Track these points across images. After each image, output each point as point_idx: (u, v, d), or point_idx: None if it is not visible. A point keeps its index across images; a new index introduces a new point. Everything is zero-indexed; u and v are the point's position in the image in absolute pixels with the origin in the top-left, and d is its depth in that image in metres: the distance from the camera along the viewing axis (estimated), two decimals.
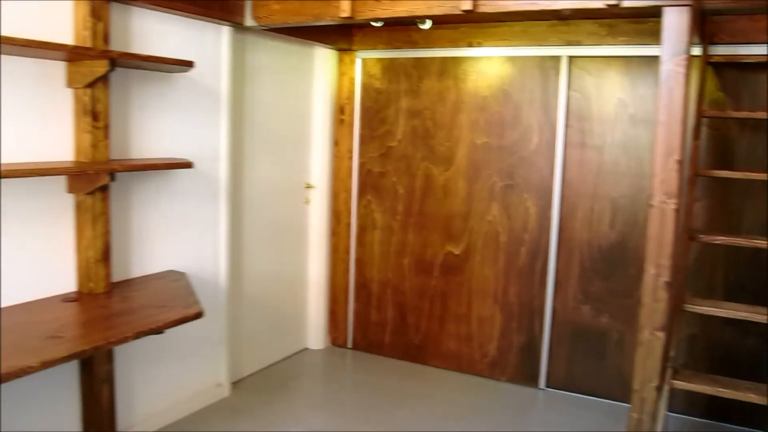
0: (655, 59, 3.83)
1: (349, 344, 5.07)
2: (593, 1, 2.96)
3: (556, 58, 4.18)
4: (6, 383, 2.14)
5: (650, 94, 3.94)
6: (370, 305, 4.94)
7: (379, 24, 4.09)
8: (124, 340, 2.46)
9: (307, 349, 5.01)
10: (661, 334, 2.96)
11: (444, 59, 4.53)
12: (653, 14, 3.10)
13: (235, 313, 4.20)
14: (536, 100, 4.26)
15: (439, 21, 4.27)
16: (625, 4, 2.89)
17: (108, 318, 2.70)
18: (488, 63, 4.40)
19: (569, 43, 4.09)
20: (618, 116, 4.06)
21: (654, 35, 3.76)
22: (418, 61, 4.61)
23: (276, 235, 4.57)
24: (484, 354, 4.57)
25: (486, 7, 3.20)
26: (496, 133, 4.40)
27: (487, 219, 4.47)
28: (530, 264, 4.36)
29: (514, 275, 4.43)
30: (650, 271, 2.94)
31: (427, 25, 4.11)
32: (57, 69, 2.91)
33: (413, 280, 4.76)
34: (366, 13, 3.48)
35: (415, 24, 4.24)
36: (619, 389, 4.16)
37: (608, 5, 2.91)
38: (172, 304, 2.90)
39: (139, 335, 2.52)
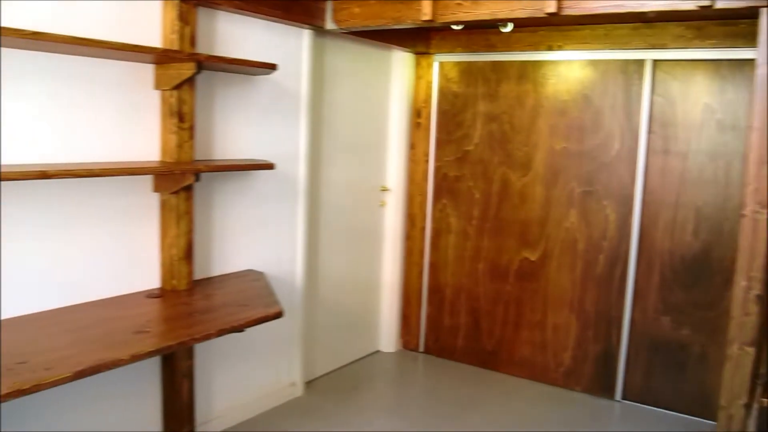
0: (746, 63, 3.69)
1: (421, 348, 5.05)
2: (684, 3, 2.86)
3: (640, 62, 4.07)
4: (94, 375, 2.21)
5: (740, 99, 3.79)
6: (443, 310, 4.91)
7: (459, 27, 4.06)
8: (207, 337, 2.51)
9: (378, 351, 5.02)
10: (751, 350, 2.84)
11: (523, 63, 4.47)
12: (747, 15, 2.99)
13: (310, 313, 4.25)
14: (618, 105, 4.16)
15: (519, 24, 4.22)
16: (719, 5, 2.79)
17: (191, 315, 2.76)
18: (568, 67, 4.32)
19: (654, 47, 3.98)
20: (704, 122, 3.92)
21: (746, 37, 3.62)
22: (497, 65, 4.57)
23: (351, 237, 4.60)
24: (559, 363, 4.48)
25: (571, 10, 3.14)
26: (575, 138, 4.31)
27: (564, 225, 4.38)
28: (608, 272, 4.26)
29: (591, 283, 4.33)
30: (741, 283, 2.82)
31: (509, 28, 4.07)
32: (145, 72, 3.00)
33: (487, 286, 4.71)
34: (447, 17, 3.47)
35: (495, 27, 4.20)
36: (700, 405, 4.02)
37: (700, 6, 2.81)
38: (252, 304, 2.94)
39: (221, 333, 2.56)
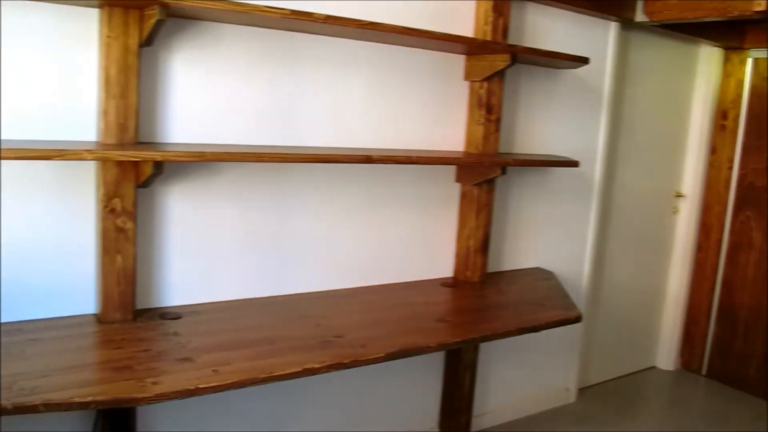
0: None
1: (703, 371, 4.62)
2: None
3: None
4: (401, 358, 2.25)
5: None
6: (735, 333, 4.44)
7: None
8: (508, 333, 2.47)
9: (654, 367, 4.69)
10: None
11: None
12: None
13: (591, 318, 4.06)
14: None
15: None
16: None
17: (487, 308, 2.74)
18: None
19: None
20: None
21: None
22: None
23: (638, 243, 4.33)
24: None
25: None
26: None
27: None
28: None
29: None
30: None
31: None
32: (455, 63, 3.02)
33: None
34: None
35: None
36: None
37: None
38: (548, 304, 2.85)
39: (521, 331, 2.51)
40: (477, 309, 2.73)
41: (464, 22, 3.02)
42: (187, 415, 2.54)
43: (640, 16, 3.67)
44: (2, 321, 2.13)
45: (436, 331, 2.38)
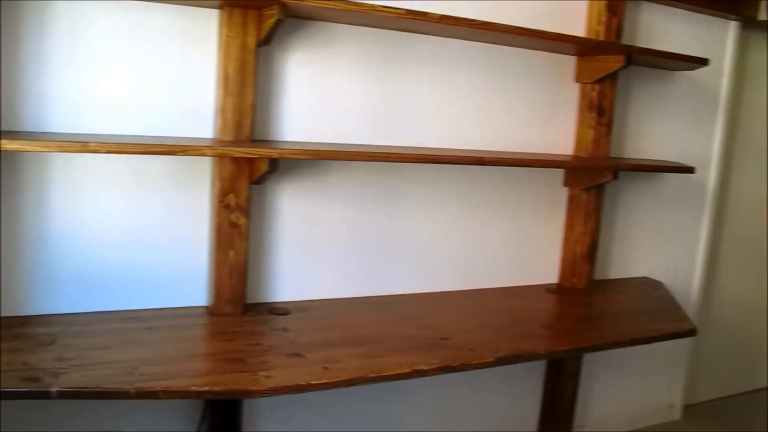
0: None
1: None
2: None
3: None
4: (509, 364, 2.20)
5: None
6: None
7: None
8: (619, 344, 2.38)
9: None
10: None
11: None
12: None
13: (700, 332, 3.86)
14: None
15: None
16: None
17: (595, 317, 2.66)
18: None
19: None
20: None
21: None
22: None
23: (754, 255, 4.10)
24: None
25: None
26: None
27: None
28: None
29: None
30: None
31: None
32: (564, 64, 2.94)
33: None
34: None
35: None
36: None
37: None
38: (659, 315, 2.74)
39: (633, 342, 2.41)
40: (584, 317, 2.65)
41: (575, 21, 2.94)
42: (290, 416, 2.57)
43: (763, 15, 3.49)
44: (119, 309, 2.21)
45: (544, 338, 2.32)
